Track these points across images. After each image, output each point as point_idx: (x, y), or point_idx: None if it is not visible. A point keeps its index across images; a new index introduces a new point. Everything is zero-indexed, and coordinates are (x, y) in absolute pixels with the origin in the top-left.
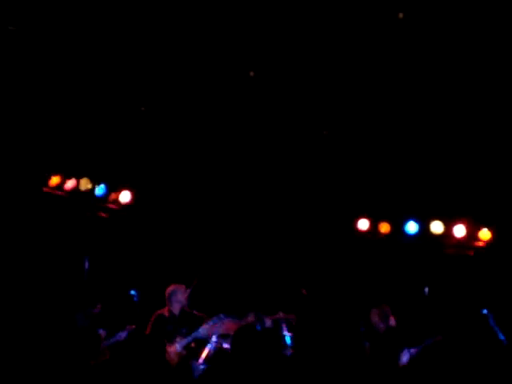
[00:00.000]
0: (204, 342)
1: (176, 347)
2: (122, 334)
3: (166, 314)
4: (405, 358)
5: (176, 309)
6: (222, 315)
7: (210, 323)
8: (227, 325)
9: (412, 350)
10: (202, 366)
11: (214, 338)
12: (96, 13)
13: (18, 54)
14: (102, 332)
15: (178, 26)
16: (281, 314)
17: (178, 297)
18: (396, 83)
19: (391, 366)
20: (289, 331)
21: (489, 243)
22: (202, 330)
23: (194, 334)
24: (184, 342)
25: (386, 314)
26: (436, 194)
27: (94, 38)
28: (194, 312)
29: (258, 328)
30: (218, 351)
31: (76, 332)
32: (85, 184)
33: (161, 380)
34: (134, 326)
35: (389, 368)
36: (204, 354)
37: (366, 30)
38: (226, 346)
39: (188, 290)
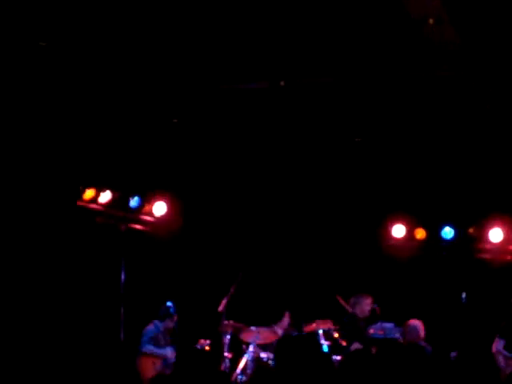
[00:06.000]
0: (241, 352)
1: None
2: (168, 351)
3: None
4: None
5: None
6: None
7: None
8: (263, 334)
9: None
10: (240, 377)
11: (250, 348)
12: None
13: (52, 67)
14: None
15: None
16: (315, 324)
17: None
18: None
19: None
20: (326, 340)
21: None
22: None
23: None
24: None
25: None
26: (471, 198)
27: (128, 53)
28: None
29: (294, 334)
30: (255, 361)
31: (118, 345)
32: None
33: None
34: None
35: None
36: (242, 365)
37: None
38: (263, 355)
39: (225, 300)
